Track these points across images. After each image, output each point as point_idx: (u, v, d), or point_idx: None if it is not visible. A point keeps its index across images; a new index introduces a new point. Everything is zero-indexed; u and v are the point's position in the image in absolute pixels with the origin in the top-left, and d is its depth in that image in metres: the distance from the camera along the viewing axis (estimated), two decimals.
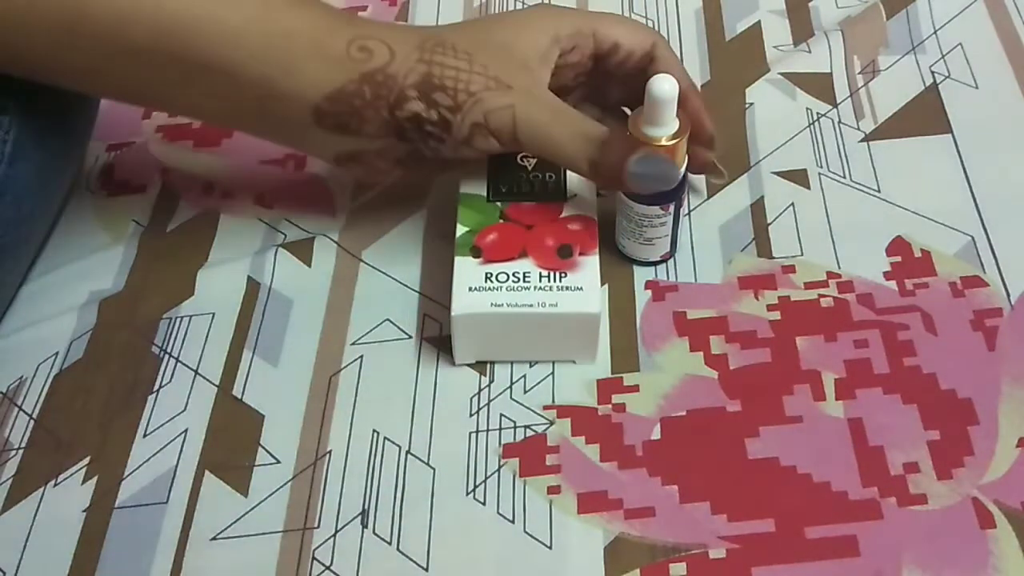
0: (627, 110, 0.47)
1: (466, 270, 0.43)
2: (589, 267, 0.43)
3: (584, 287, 0.42)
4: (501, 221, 0.45)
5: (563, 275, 0.43)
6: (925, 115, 0.54)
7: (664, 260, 0.48)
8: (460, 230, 0.44)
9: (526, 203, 0.45)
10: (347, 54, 0.41)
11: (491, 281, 0.42)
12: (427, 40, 0.42)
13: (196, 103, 0.43)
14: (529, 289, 0.42)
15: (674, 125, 0.43)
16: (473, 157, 0.44)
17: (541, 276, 0.43)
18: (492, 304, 0.42)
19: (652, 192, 0.43)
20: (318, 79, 0.41)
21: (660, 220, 0.46)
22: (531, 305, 0.42)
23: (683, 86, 0.43)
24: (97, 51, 0.39)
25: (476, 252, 0.43)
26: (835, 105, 0.55)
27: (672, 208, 0.45)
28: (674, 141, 0.43)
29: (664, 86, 0.41)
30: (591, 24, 0.44)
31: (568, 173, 0.46)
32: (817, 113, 0.55)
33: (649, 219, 0.45)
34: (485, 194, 0.46)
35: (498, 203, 0.45)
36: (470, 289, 0.42)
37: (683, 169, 0.44)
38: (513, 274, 0.43)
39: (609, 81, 0.46)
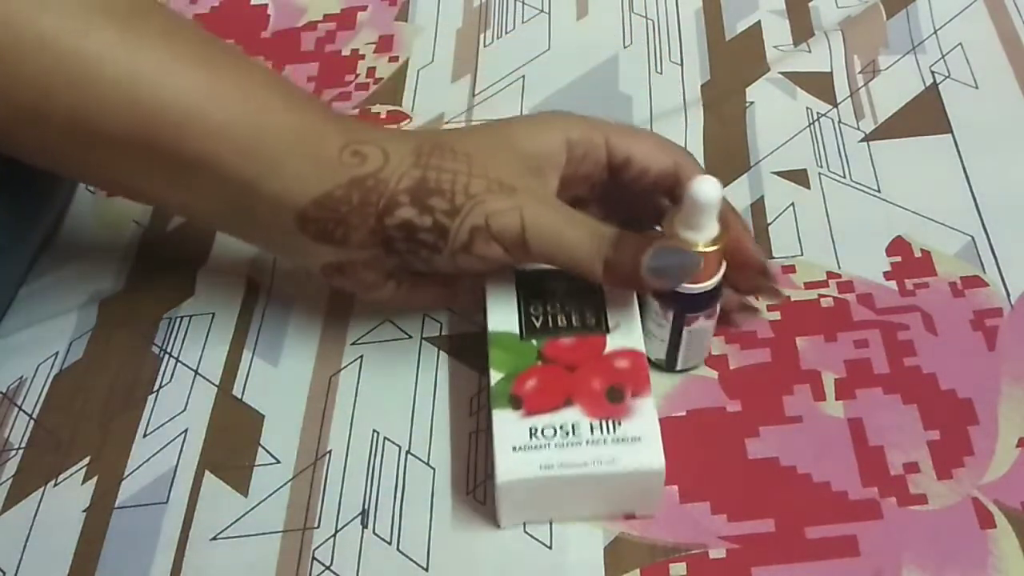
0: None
1: (507, 426, 0.38)
2: (645, 411, 0.38)
3: (643, 436, 0.38)
4: (539, 363, 0.40)
5: (616, 424, 0.38)
6: (925, 115, 0.54)
7: (656, 364, 0.43)
8: (495, 377, 0.39)
9: (565, 339, 0.40)
10: (339, 158, 0.38)
11: (536, 437, 0.38)
12: (424, 144, 0.39)
13: (178, 199, 0.40)
14: (580, 444, 0.37)
15: (714, 229, 0.38)
16: (471, 269, 0.40)
17: (592, 427, 0.38)
18: (541, 467, 0.37)
19: (673, 287, 0.39)
20: (306, 182, 0.38)
21: (656, 321, 0.42)
22: (584, 464, 0.37)
23: (722, 208, 0.38)
24: (67, 139, 0.37)
25: (516, 403, 0.39)
26: (835, 105, 0.55)
27: (671, 316, 0.41)
28: (714, 247, 0.39)
29: (706, 189, 0.37)
30: (603, 132, 0.40)
31: (607, 301, 0.41)
32: (817, 113, 0.55)
33: (647, 312, 0.42)
34: (517, 331, 0.41)
35: (533, 341, 0.40)
36: (514, 449, 0.38)
37: (719, 277, 0.40)
38: (560, 427, 0.38)
39: (626, 196, 0.42)
